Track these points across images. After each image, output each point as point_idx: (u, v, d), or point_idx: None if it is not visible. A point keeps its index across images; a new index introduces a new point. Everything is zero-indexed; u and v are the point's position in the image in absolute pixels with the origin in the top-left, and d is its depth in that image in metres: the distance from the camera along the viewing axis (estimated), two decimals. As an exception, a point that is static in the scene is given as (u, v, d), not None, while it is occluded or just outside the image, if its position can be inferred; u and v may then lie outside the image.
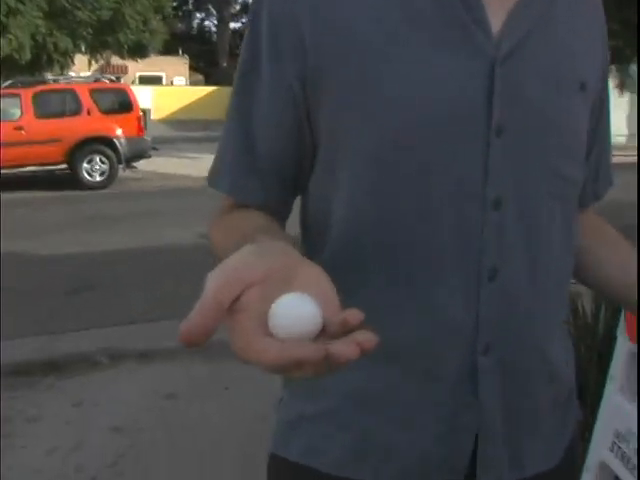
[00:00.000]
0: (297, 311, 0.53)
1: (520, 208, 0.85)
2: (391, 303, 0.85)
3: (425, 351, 0.85)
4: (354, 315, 0.53)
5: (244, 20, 51.32)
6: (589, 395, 2.48)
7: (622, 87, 11.89)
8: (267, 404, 3.87)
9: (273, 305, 0.54)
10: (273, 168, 0.90)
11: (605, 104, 1.02)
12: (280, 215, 0.94)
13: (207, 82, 43.87)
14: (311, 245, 0.93)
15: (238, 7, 50.53)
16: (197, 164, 16.19)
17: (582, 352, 2.83)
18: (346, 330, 0.52)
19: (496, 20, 0.82)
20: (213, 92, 38.09)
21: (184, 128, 27.47)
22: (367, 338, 0.51)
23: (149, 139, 14.12)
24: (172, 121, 31.43)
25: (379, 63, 0.80)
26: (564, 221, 0.90)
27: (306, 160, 0.90)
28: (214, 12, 49.05)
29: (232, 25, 49.31)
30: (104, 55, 22.30)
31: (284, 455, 0.95)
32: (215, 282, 0.56)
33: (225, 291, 0.55)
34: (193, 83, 42.27)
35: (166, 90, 36.55)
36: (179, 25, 43.63)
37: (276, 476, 0.99)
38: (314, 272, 0.60)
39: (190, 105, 35.89)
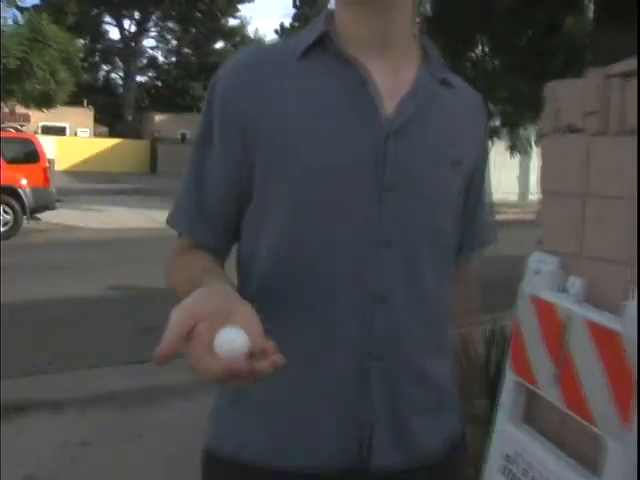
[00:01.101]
0: (233, 339, 0.82)
1: (404, 250, 1.12)
2: (301, 326, 1.11)
3: (327, 360, 1.12)
4: (271, 346, 0.83)
5: (150, 74, 51.44)
6: (481, 425, 2.79)
7: (513, 149, 12.70)
8: (178, 447, 4.00)
9: (217, 334, 0.82)
10: (219, 218, 1.18)
11: (484, 179, 1.34)
12: (222, 255, 1.22)
13: (111, 134, 43.51)
14: (243, 278, 1.20)
15: (145, 61, 50.61)
16: (101, 216, 16.06)
17: (475, 390, 3.15)
18: (266, 354, 0.83)
19: (389, 105, 1.12)
20: (117, 144, 37.83)
21: (88, 180, 27.08)
22: (278, 359, 0.81)
23: (54, 190, 13.94)
24: (76, 172, 30.95)
25: (297, 140, 1.09)
26: (439, 262, 1.19)
27: (239, 218, 1.19)
28: (121, 65, 48.90)
29: (138, 78, 49.30)
30: (8, 104, 21.94)
31: (217, 452, 1.20)
32: (177, 317, 0.84)
33: (184, 324, 0.84)
34: (97, 135, 41.79)
35: (70, 141, 36.02)
36: (85, 76, 43.24)
37: (208, 469, 1.23)
38: (247, 309, 0.88)
39: (94, 157, 35.49)
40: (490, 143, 20.74)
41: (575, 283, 2.28)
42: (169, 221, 1.22)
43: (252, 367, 0.80)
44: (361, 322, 1.11)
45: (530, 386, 2.43)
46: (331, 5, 1.19)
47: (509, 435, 2.49)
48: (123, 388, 4.90)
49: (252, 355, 0.81)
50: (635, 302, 2.02)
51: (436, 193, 1.16)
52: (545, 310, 2.33)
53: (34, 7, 35.77)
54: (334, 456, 1.13)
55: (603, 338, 2.09)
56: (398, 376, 1.15)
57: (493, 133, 20.17)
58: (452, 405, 1.28)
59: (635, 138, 2.22)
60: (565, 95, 2.47)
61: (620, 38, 4.48)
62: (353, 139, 1.10)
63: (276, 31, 58.49)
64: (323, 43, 1.12)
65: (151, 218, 15.32)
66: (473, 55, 7.04)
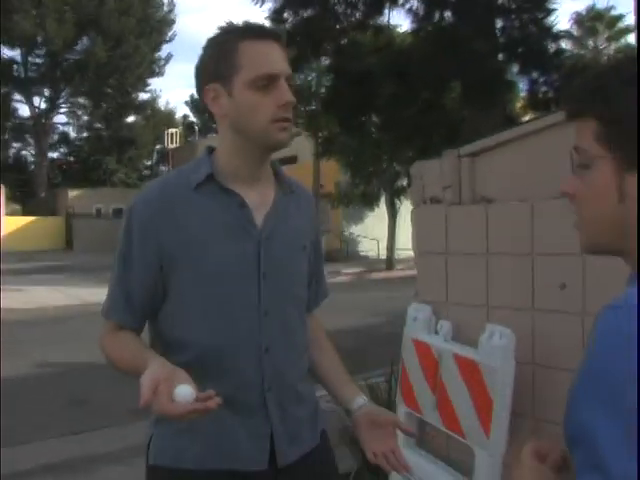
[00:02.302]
0: (185, 391, 1.34)
1: (278, 314, 1.64)
2: (219, 373, 1.59)
3: (239, 394, 1.60)
4: (213, 392, 1.34)
5: (63, 149, 51.00)
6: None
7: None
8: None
9: (175, 390, 1.33)
10: (141, 308, 1.65)
11: (320, 252, 1.88)
12: (140, 331, 1.69)
13: (24, 212, 42.75)
14: (162, 350, 1.63)
15: (56, 137, 50.27)
16: (21, 296, 15.89)
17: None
18: (208, 398, 1.34)
19: (258, 218, 1.62)
20: (31, 222, 37.23)
21: (4, 260, 26.54)
22: (218, 400, 1.34)
23: (-29, 272, 13.83)
24: (-11, 252, 30.30)
25: (199, 251, 1.57)
26: (300, 319, 1.72)
27: (159, 304, 1.65)
28: (32, 142, 48.38)
29: (50, 155, 48.82)
30: None
31: (161, 463, 1.66)
32: (146, 382, 1.33)
33: (152, 385, 1.33)
34: (10, 213, 41.01)
35: (-19, 221, 35.29)
36: (-5, 155, 42.72)
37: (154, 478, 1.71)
38: (184, 373, 1.39)
39: (8, 236, 34.82)
40: (398, 202, 21.35)
41: (444, 325, 2.81)
42: (105, 314, 1.68)
43: (204, 406, 1.32)
44: (257, 367, 1.61)
45: (418, 415, 2.92)
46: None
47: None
48: (58, 460, 5.09)
49: (199, 399, 1.33)
50: (485, 336, 2.55)
51: (294, 272, 1.70)
52: (422, 349, 2.84)
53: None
54: (251, 460, 1.63)
55: (466, 367, 2.61)
56: (284, 400, 1.66)
57: (401, 192, 21.13)
58: (316, 411, 1.79)
59: (484, 206, 2.78)
60: (427, 172, 3.04)
61: (483, 115, 5.17)
62: (239, 246, 1.60)
63: (186, 103, 59.42)
64: (209, 179, 1.60)
65: (71, 295, 15.32)
66: (364, 129, 7.77)
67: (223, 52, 1.55)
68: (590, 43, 28.45)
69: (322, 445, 1.78)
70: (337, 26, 7.11)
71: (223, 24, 1.70)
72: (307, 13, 6.93)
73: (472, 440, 2.59)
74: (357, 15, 7.02)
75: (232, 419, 1.60)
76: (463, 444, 2.68)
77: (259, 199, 1.64)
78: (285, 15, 6.97)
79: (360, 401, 1.73)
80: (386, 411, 1.78)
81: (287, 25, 6.90)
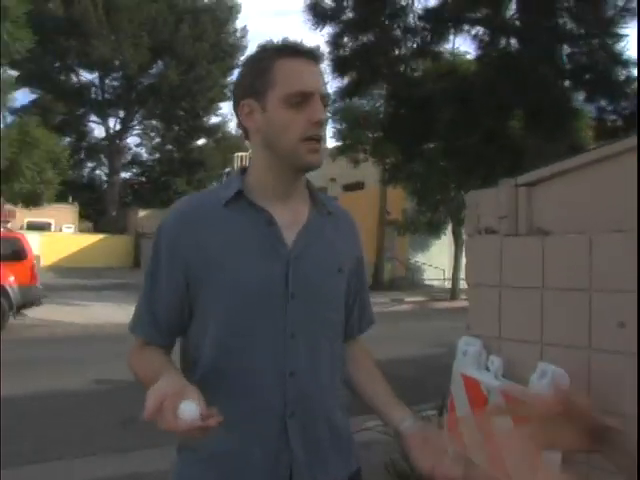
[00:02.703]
0: (190, 408, 1.29)
1: (306, 338, 1.58)
2: (238, 398, 1.54)
3: (260, 421, 1.55)
4: (215, 410, 1.29)
5: (134, 170, 52.35)
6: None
7: None
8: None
9: (180, 405, 1.29)
10: (167, 325, 1.63)
11: (363, 278, 1.81)
12: (169, 348, 1.66)
13: (96, 230, 43.92)
14: (189, 366, 1.62)
15: (129, 157, 51.61)
16: (85, 312, 16.24)
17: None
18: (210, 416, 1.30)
19: (289, 237, 1.59)
20: (101, 240, 38.16)
21: (73, 275, 27.31)
22: (219, 417, 1.28)
23: (40, 287, 14.24)
24: (60, 268, 31.18)
25: (224, 270, 1.54)
26: (331, 344, 1.65)
27: (186, 322, 1.62)
28: (105, 162, 49.81)
29: (122, 175, 50.11)
30: (-2, 203, 22.48)
31: None
32: (151, 396, 1.30)
33: (157, 401, 1.29)
34: (82, 230, 42.19)
35: (55, 237, 36.37)
36: (70, 173, 44.08)
37: None
38: (195, 390, 1.34)
39: (78, 252, 35.79)
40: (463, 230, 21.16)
41: (494, 361, 2.69)
42: (131, 329, 1.67)
43: (205, 423, 1.28)
44: (279, 391, 1.55)
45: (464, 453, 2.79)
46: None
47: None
48: (101, 476, 5.13)
49: (203, 418, 1.28)
50: (537, 375, 2.42)
51: (327, 295, 1.64)
52: (471, 385, 2.72)
53: (23, 107, 36.89)
54: None
55: (515, 405, 2.48)
56: (309, 427, 1.59)
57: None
58: (349, 444, 1.72)
59: (541, 238, 2.67)
60: (483, 202, 2.93)
61: (548, 144, 5.02)
62: (266, 265, 1.56)
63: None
64: (239, 196, 1.58)
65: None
66: (431, 156, 7.69)
67: (259, 68, 1.57)
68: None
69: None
70: (396, 52, 7.07)
71: (262, 43, 1.69)
72: (366, 38, 6.91)
73: (520, 484, 2.45)
74: (418, 41, 6.97)
75: (251, 444, 1.55)
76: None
77: (291, 218, 1.61)
78: (345, 40, 6.96)
79: (409, 420, 1.64)
80: (437, 431, 1.70)
81: (347, 50, 6.90)
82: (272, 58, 1.56)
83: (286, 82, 1.53)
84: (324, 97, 1.58)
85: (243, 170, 1.68)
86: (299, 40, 1.66)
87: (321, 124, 1.55)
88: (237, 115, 1.62)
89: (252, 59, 1.63)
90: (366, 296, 1.85)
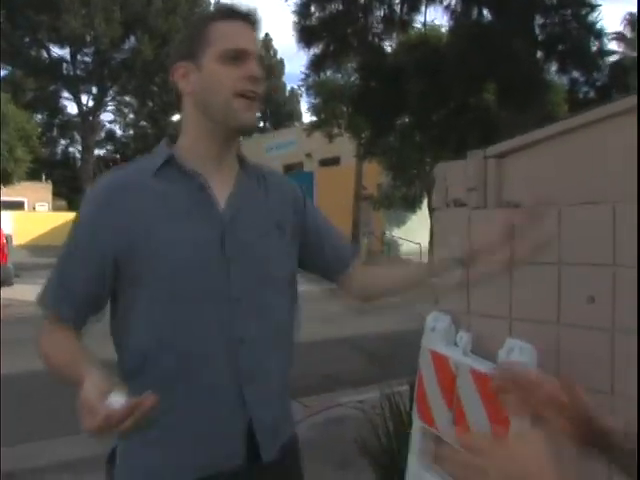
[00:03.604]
0: (118, 399, 1.21)
1: (252, 299, 1.53)
2: (190, 369, 1.48)
3: (212, 396, 1.49)
4: (145, 397, 1.21)
5: (109, 147, 51.83)
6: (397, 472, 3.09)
7: None
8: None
9: (108, 399, 1.20)
10: (82, 300, 1.54)
11: (323, 226, 1.77)
12: (80, 328, 1.57)
13: (70, 208, 43.45)
14: (122, 349, 1.55)
15: (103, 134, 51.05)
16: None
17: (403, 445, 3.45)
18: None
19: (222, 201, 1.54)
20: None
21: (47, 254, 27.00)
22: (153, 398, 1.20)
23: (12, 266, 14.06)
24: (34, 247, 30.85)
25: (158, 239, 1.47)
26: (282, 300, 1.61)
27: (103, 300, 1.55)
28: (79, 139, 49.21)
29: (96, 152, 49.57)
30: (-35, 181, 22.13)
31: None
32: (85, 407, 1.21)
33: (91, 410, 1.20)
34: (56, 209, 41.74)
35: (28, 216, 35.95)
36: (43, 151, 43.48)
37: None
38: (118, 384, 1.25)
39: (53, 231, 35.38)
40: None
41: (463, 337, 2.64)
42: (40, 301, 1.58)
43: (137, 403, 1.20)
44: (231, 361, 1.50)
45: (433, 430, 2.75)
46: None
47: (419, 476, 2.79)
48: (76, 457, 5.06)
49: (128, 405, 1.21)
50: (504, 351, 2.37)
51: (266, 255, 1.59)
52: (440, 362, 2.67)
53: (-8, 84, 36.21)
54: (230, 459, 1.52)
55: (483, 383, 2.43)
56: (266, 392, 1.56)
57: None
58: (290, 410, 1.72)
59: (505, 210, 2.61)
60: (451, 174, 2.87)
61: (520, 116, 4.96)
62: (200, 230, 1.51)
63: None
64: (170, 162, 1.53)
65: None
66: (404, 130, 7.62)
67: (195, 32, 1.58)
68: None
69: (291, 445, 1.70)
70: (365, 21, 6.94)
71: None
72: (334, 7, 6.77)
73: (489, 462, 2.41)
74: (386, 10, 6.86)
75: (207, 417, 1.50)
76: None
77: (223, 184, 1.57)
78: (312, 9, 6.82)
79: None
80: None
81: (314, 20, 6.74)
82: (207, 21, 1.58)
83: (221, 40, 1.53)
84: (260, 58, 1.57)
85: (171, 139, 1.64)
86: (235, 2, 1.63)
87: (256, 79, 1.53)
88: (173, 80, 1.61)
89: (188, 25, 1.68)
90: (334, 234, 1.82)
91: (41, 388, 7.10)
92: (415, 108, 6.46)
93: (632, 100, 2.26)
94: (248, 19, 1.58)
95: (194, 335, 1.49)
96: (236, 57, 1.52)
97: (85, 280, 1.52)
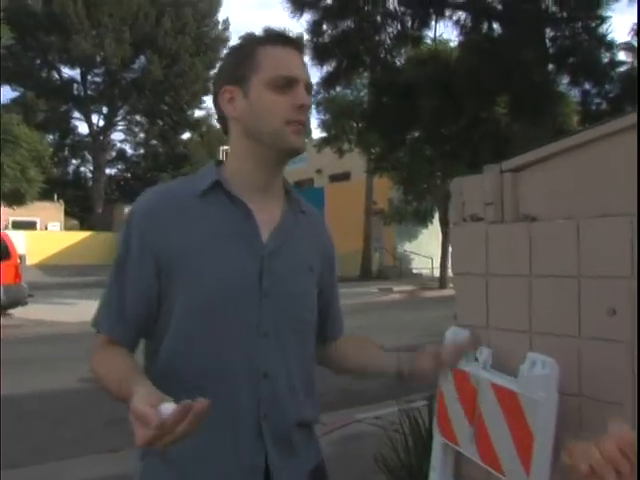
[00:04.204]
0: (169, 406, 1.18)
1: (278, 337, 1.53)
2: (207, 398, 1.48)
3: (231, 423, 1.48)
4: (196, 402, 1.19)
5: (120, 166, 52.12)
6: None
7: None
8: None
9: (159, 409, 1.17)
10: (134, 322, 1.53)
11: (335, 283, 1.78)
12: (134, 347, 1.57)
13: (82, 227, 43.69)
14: (151, 368, 1.54)
15: (114, 154, 51.39)
16: (73, 310, 16.10)
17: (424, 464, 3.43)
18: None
19: (264, 233, 1.54)
20: (88, 237, 37.99)
21: (59, 273, 27.15)
22: (206, 402, 1.18)
23: (26, 286, 14.12)
24: (47, 266, 30.99)
25: (196, 263, 1.47)
26: (304, 344, 1.60)
27: (153, 320, 1.54)
28: (90, 159, 49.54)
29: (107, 171, 49.93)
30: (-22, 202, 22.24)
31: None
32: (141, 404, 1.18)
33: (145, 421, 1.17)
34: (68, 228, 41.96)
35: (40, 235, 36.17)
36: (54, 171, 43.78)
37: None
38: (170, 399, 1.22)
39: (65, 250, 35.60)
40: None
41: (483, 352, 2.62)
42: (94, 324, 1.57)
43: (190, 406, 1.17)
44: (253, 393, 1.50)
45: (454, 446, 2.73)
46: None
47: (440, 492, 2.76)
48: (92, 477, 5.06)
49: (175, 411, 1.17)
50: (526, 365, 2.36)
51: (299, 294, 1.59)
52: (460, 377, 2.65)
53: (4, 105, 36.53)
54: None
55: (505, 398, 2.42)
56: (280, 428, 1.54)
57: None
58: (316, 441, 1.70)
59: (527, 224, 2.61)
60: (467, 189, 2.86)
61: (533, 129, 4.96)
62: (240, 260, 1.50)
63: (242, 119, 59.93)
64: (216, 187, 1.52)
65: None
66: (415, 145, 7.64)
67: (242, 55, 1.55)
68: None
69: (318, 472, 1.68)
70: (376, 38, 6.98)
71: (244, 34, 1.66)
72: (346, 25, 6.82)
73: (511, 477, 2.40)
74: (398, 26, 6.89)
75: (224, 450, 1.49)
76: (503, 480, 2.48)
77: (268, 214, 1.56)
78: (324, 27, 6.87)
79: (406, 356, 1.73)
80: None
81: (326, 37, 6.78)
82: (256, 45, 1.55)
83: (270, 67, 1.51)
84: (308, 86, 1.55)
85: (218, 162, 1.63)
86: (282, 28, 1.62)
87: (305, 109, 1.52)
88: (216, 105, 1.58)
89: (234, 47, 1.61)
90: (338, 298, 1.84)
91: (69, 406, 7.18)
92: (426, 122, 6.48)
93: (648, 112, 2.26)
94: (296, 45, 1.57)
95: (219, 363, 1.49)
96: (286, 84, 1.50)
97: (137, 300, 1.51)
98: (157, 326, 1.54)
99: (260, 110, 1.50)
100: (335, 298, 1.79)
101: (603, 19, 6.62)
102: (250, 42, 1.58)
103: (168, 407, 1.17)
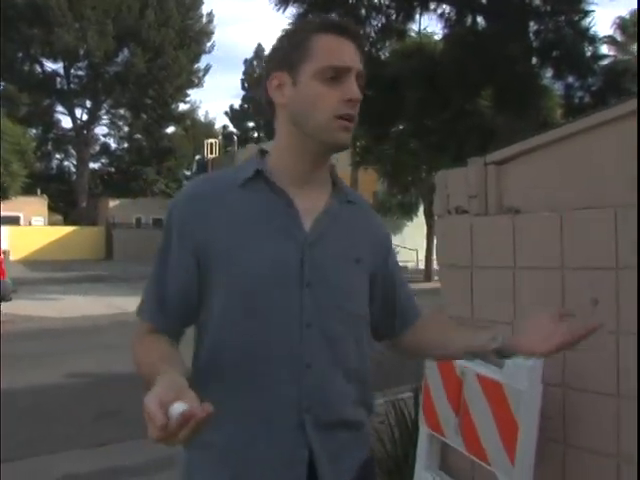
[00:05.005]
0: (177, 409, 1.13)
1: (322, 328, 1.49)
2: (252, 390, 1.46)
3: (273, 415, 1.47)
4: (204, 406, 1.14)
5: (104, 160, 51.78)
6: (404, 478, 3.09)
7: None
8: None
9: (169, 409, 1.13)
10: (175, 310, 1.52)
11: (395, 271, 1.73)
12: (177, 336, 1.56)
13: (66, 222, 43.41)
14: (199, 357, 1.53)
15: (97, 148, 51.03)
16: (57, 305, 16.00)
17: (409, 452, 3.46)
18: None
19: (307, 222, 1.50)
20: (72, 232, 37.70)
21: (44, 268, 26.96)
22: (208, 409, 1.11)
23: (10, 281, 14.00)
24: (31, 262, 30.77)
25: (237, 253, 1.46)
26: (351, 338, 1.55)
27: (196, 308, 1.52)
28: (73, 153, 49.21)
29: (91, 165, 49.56)
30: (-39, 197, 22.10)
31: None
32: (152, 402, 1.14)
33: (159, 403, 1.14)
34: (52, 223, 41.65)
35: (24, 230, 35.85)
36: (38, 165, 43.44)
37: None
38: (191, 392, 1.19)
39: (49, 245, 35.35)
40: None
41: (468, 343, 2.65)
42: (138, 313, 1.58)
43: (191, 413, 1.12)
44: (296, 383, 1.47)
45: (440, 437, 2.76)
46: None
47: (426, 481, 2.80)
48: (82, 471, 5.05)
49: (183, 414, 1.13)
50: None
51: (343, 285, 1.54)
52: (445, 368, 2.68)
53: (-15, 101, 36.20)
54: None
55: (490, 388, 2.44)
56: (326, 422, 1.50)
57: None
58: (365, 438, 1.63)
59: (511, 216, 2.63)
60: (452, 181, 2.88)
61: (517, 121, 5.00)
62: (280, 249, 1.47)
63: (226, 113, 59.89)
64: (258, 177, 1.50)
65: (109, 304, 15.40)
66: (400, 138, 7.67)
67: (295, 41, 1.48)
68: (634, 48, 27.72)
69: (364, 474, 1.61)
70: (361, 31, 6.99)
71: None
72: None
73: (496, 466, 2.43)
74: (383, 20, 6.90)
75: (266, 442, 1.46)
76: (488, 470, 2.51)
77: (311, 203, 1.52)
78: (330, 16, 6.87)
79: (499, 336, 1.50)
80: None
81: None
82: (310, 31, 1.48)
83: (322, 56, 1.45)
84: (361, 76, 1.49)
85: (262, 153, 1.59)
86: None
87: (356, 103, 1.47)
88: (266, 89, 1.53)
89: (288, 31, 1.54)
90: (406, 290, 1.76)
91: (55, 401, 7.14)
92: (411, 115, 6.49)
93: (630, 105, 2.28)
94: (352, 34, 1.51)
95: (261, 353, 1.46)
96: (337, 75, 1.45)
97: (178, 289, 1.51)
98: (201, 314, 1.52)
99: (308, 101, 1.46)
100: (400, 286, 1.73)
101: (586, 13, 6.66)
102: (304, 27, 1.53)
103: (178, 407, 1.14)
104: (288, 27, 1.57)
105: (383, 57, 7.32)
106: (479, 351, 1.55)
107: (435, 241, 2.90)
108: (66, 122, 51.63)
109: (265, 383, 1.46)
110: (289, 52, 1.48)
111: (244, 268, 1.45)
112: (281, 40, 1.54)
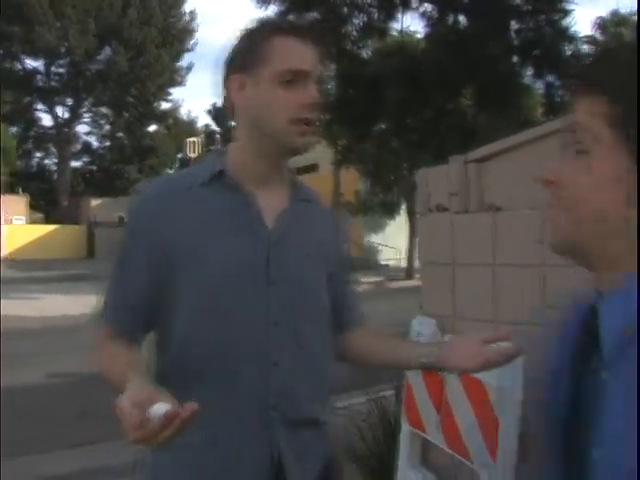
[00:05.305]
0: (159, 409, 1.13)
1: (289, 326, 1.50)
2: (218, 389, 1.45)
3: (241, 414, 1.47)
4: (188, 405, 1.14)
5: (85, 158, 51.45)
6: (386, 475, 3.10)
7: None
8: None
9: (149, 411, 1.13)
10: (136, 312, 1.52)
11: (345, 268, 1.73)
12: (139, 339, 1.55)
13: (47, 221, 43.09)
14: (162, 360, 1.53)
15: (79, 146, 50.68)
16: (37, 305, 15.89)
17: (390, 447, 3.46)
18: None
19: (269, 220, 1.51)
20: (53, 231, 37.46)
21: (25, 268, 26.77)
22: (193, 407, 1.12)
23: (-10, 280, 13.89)
24: (12, 261, 30.56)
25: (200, 252, 1.45)
26: (317, 333, 1.56)
27: (157, 311, 1.52)
28: (54, 151, 48.86)
29: (73, 164, 49.23)
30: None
31: None
32: (124, 402, 1.14)
33: (132, 403, 1.14)
34: (33, 222, 41.33)
35: (5, 229, 35.61)
36: (18, 163, 43.09)
37: None
38: (163, 394, 1.18)
39: (30, 244, 35.10)
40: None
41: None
42: (99, 316, 1.56)
43: (175, 412, 1.12)
44: (263, 382, 1.47)
45: (421, 434, 2.77)
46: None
47: (408, 478, 2.80)
48: (64, 472, 5.02)
49: (167, 414, 1.13)
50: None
51: (308, 283, 1.55)
52: (427, 365, 2.68)
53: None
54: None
55: (472, 386, 2.45)
56: (292, 420, 1.51)
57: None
58: (328, 437, 1.64)
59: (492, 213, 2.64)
60: (433, 179, 2.89)
61: (499, 120, 5.03)
62: (246, 247, 1.48)
63: (208, 111, 59.68)
64: (218, 176, 1.50)
65: (90, 303, 15.31)
66: (382, 137, 7.67)
67: (254, 43, 1.48)
68: (613, 48, 27.86)
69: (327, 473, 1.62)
70: (343, 30, 6.98)
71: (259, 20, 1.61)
72: (311, 16, 6.80)
73: (478, 463, 2.44)
74: (364, 18, 6.90)
75: (234, 442, 1.47)
76: (470, 466, 2.52)
77: (271, 202, 1.53)
78: (290, 18, 6.84)
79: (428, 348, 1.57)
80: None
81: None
82: (268, 33, 1.48)
83: (281, 58, 1.45)
84: (320, 80, 1.49)
85: (220, 152, 1.60)
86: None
87: (314, 107, 1.46)
88: (226, 90, 1.53)
89: (247, 33, 1.53)
90: (353, 286, 1.79)
91: (37, 401, 7.08)
92: (393, 114, 6.50)
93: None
94: (311, 37, 1.51)
95: (229, 353, 1.47)
96: (295, 79, 1.45)
97: (138, 292, 1.50)
98: (164, 315, 1.52)
99: (265, 105, 1.46)
100: (348, 285, 1.74)
101: (566, 12, 6.70)
102: (263, 29, 1.52)
103: (160, 408, 1.13)
104: (247, 28, 1.55)
105: (364, 56, 7.32)
106: (412, 363, 1.58)
107: (417, 239, 2.91)
108: (47, 120, 51.37)
109: (232, 380, 1.46)
110: (248, 54, 1.48)
111: (207, 267, 1.45)
112: (240, 42, 1.54)
